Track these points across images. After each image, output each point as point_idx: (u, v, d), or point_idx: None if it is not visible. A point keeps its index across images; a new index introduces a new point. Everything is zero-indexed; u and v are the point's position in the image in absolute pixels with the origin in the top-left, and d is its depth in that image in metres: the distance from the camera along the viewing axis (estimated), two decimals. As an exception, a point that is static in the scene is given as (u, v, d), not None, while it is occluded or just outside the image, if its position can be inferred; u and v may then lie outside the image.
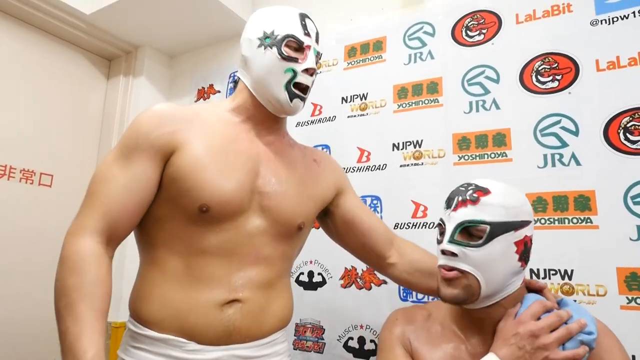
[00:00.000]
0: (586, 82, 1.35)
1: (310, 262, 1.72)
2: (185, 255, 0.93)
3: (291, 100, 1.01)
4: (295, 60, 1.00)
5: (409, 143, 1.61)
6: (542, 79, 1.42)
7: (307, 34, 1.03)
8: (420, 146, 1.58)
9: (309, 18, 1.07)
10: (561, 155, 1.34)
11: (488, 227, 0.83)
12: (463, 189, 0.90)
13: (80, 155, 2.28)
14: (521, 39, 1.49)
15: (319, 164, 1.18)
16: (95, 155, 2.35)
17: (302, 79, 1.01)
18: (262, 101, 1.04)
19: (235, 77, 1.12)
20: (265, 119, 1.07)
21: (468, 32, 1.59)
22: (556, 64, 1.41)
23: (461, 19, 1.62)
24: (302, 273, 1.73)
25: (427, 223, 1.51)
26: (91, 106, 2.37)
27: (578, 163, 1.31)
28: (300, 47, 1.02)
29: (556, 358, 0.78)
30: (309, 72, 1.02)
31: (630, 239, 1.19)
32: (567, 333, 0.80)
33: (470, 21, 1.60)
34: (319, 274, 1.69)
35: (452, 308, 0.97)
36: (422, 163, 1.57)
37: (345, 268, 1.64)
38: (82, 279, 0.83)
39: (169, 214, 0.95)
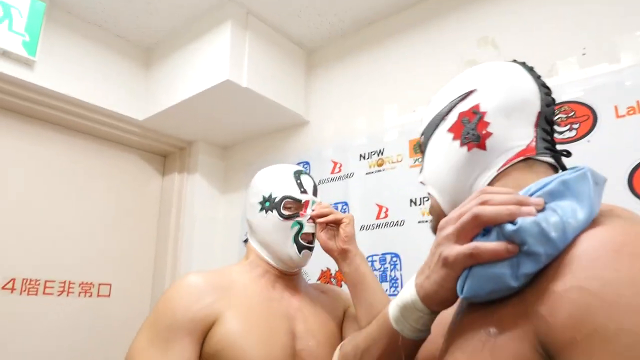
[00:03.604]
0: None
1: None
2: None
3: (300, 252, 1.05)
4: (297, 215, 1.06)
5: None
6: (660, 187, 1.18)
7: (304, 192, 1.08)
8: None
9: (305, 173, 1.13)
10: None
11: (422, 137, 0.72)
12: None
13: (137, 259, 2.22)
14: (625, 135, 1.25)
15: (328, 295, 1.20)
16: (153, 256, 2.29)
17: (308, 228, 1.06)
18: (272, 261, 1.08)
19: (245, 237, 1.18)
20: (281, 271, 1.10)
21: (555, 126, 1.37)
22: (676, 168, 1.16)
23: (545, 110, 1.41)
24: None
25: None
26: (147, 205, 2.33)
27: None
28: (299, 206, 1.07)
29: (447, 255, 0.51)
30: (312, 220, 1.07)
31: None
32: (466, 222, 0.50)
33: (557, 113, 1.38)
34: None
35: None
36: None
37: (321, 270, 1.78)
38: None
39: None
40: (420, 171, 0.73)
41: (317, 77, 2.10)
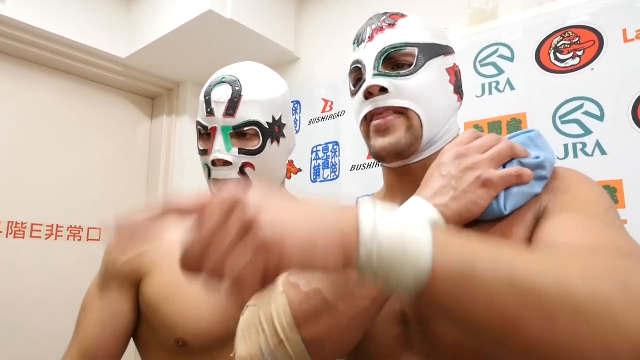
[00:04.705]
0: None
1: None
2: None
3: None
4: (205, 152, 0.84)
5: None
6: (666, 116, 1.10)
7: (211, 112, 0.81)
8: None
9: (223, 82, 0.82)
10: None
11: (416, 50, 0.66)
12: (374, 18, 0.71)
13: (127, 203, 2.19)
14: (632, 61, 1.16)
15: None
16: (143, 201, 2.25)
17: (215, 173, 0.82)
18: None
19: None
20: None
21: (558, 54, 1.28)
22: (686, 95, 1.08)
23: (548, 38, 1.31)
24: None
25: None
26: (137, 149, 2.27)
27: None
28: (207, 133, 0.84)
29: (490, 177, 0.56)
30: (218, 164, 0.81)
31: None
32: (504, 149, 0.58)
33: (560, 40, 1.28)
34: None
35: (385, 181, 0.75)
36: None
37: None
38: None
39: (151, 342, 0.88)
40: (387, 77, 0.65)
41: (308, 11, 1.98)
